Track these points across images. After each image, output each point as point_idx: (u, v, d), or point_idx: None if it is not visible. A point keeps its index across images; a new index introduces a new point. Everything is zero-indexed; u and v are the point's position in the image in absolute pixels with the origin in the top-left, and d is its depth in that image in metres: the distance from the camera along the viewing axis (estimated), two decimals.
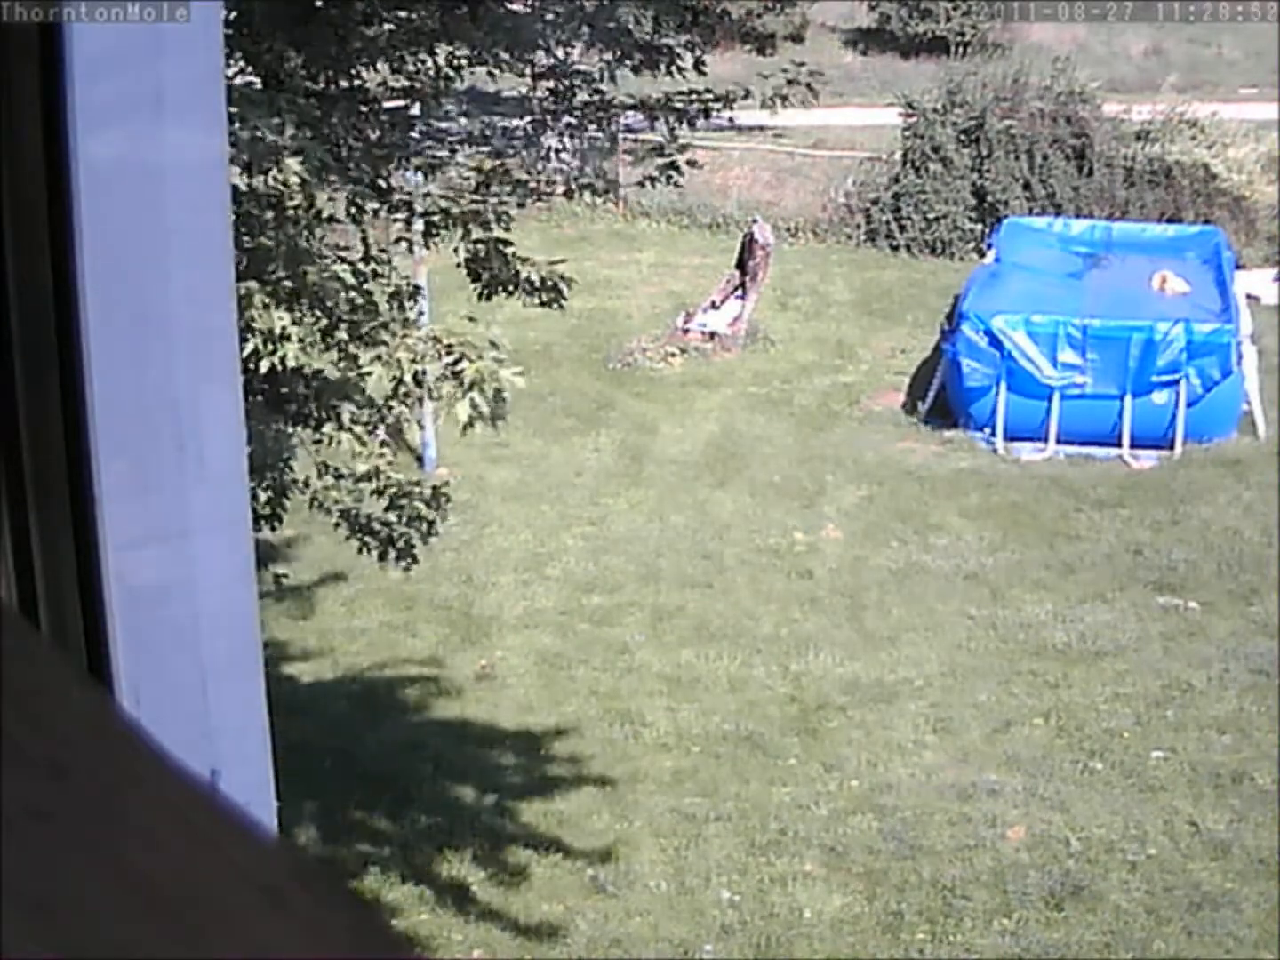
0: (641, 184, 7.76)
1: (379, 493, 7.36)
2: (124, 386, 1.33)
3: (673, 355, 18.16)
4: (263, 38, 6.47)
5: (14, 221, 1.27)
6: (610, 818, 9.79)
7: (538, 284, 7.34)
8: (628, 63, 7.50)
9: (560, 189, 7.49)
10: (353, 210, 6.89)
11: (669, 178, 7.76)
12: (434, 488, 7.51)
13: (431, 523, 7.38)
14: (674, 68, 7.57)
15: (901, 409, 16.85)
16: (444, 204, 7.16)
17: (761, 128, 23.07)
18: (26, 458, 1.30)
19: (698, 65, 7.62)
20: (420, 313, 7.58)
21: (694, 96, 7.76)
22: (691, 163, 7.77)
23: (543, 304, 7.45)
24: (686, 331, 18.53)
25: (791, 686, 11.43)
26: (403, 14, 6.80)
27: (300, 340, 6.63)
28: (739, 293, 18.73)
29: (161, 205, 1.34)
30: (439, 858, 9.36)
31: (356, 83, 6.96)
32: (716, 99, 7.81)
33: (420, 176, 7.35)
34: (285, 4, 6.57)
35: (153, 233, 1.33)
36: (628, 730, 10.84)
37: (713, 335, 18.44)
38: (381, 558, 7.48)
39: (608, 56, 7.54)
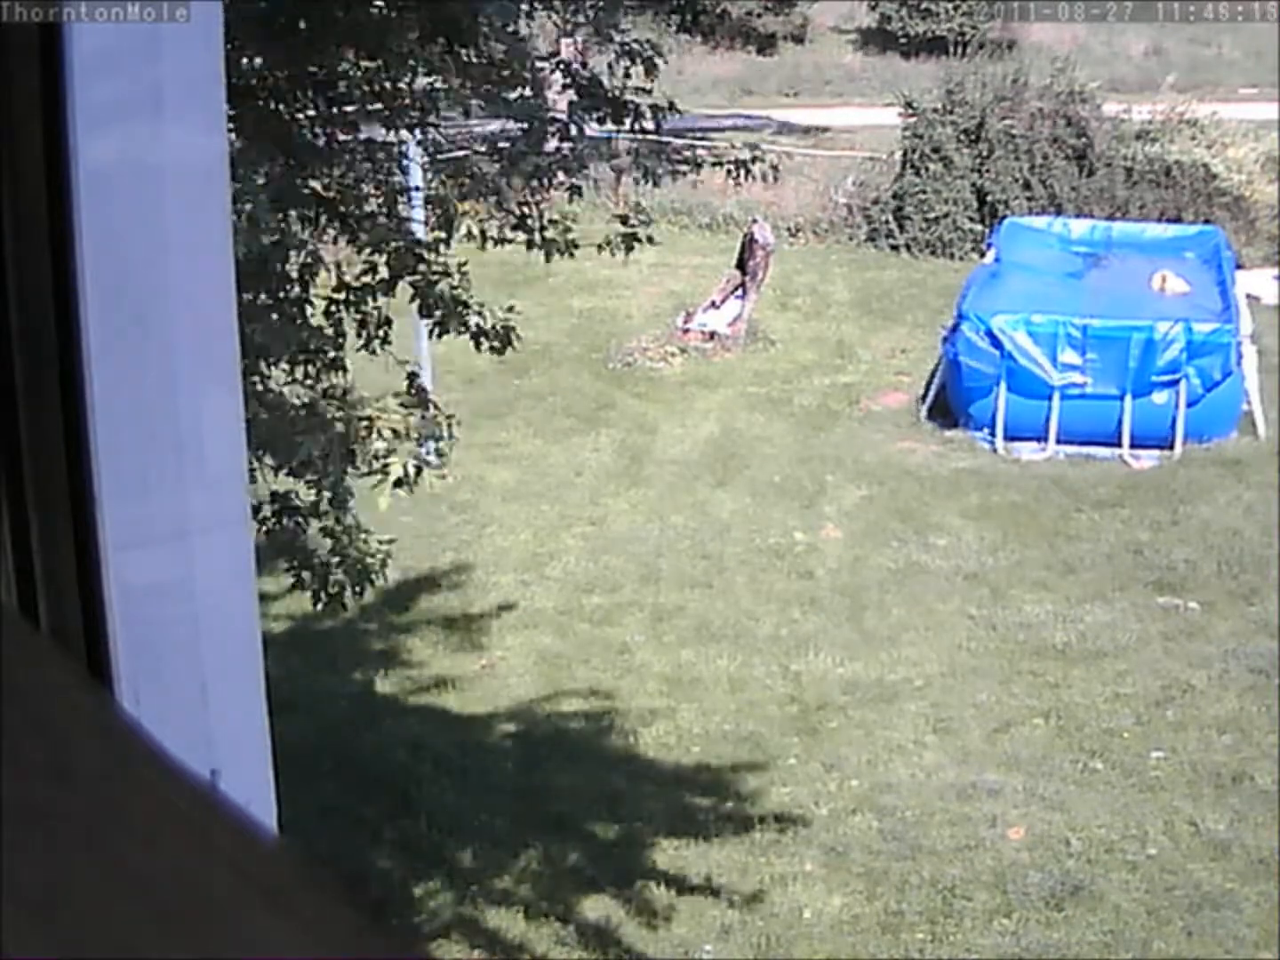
0: (600, 248, 7.85)
1: (326, 533, 7.27)
2: (124, 387, 1.33)
3: (673, 355, 18.16)
4: (233, 56, 6.45)
5: (14, 221, 1.27)
6: (608, 818, 9.79)
7: (486, 330, 7.42)
8: (594, 113, 7.60)
9: (523, 238, 7.55)
10: (305, 276, 6.89)
11: (628, 248, 7.86)
12: (380, 541, 7.44)
13: (369, 575, 7.29)
14: (638, 125, 7.69)
15: (902, 409, 16.85)
16: (407, 241, 7.18)
17: (759, 129, 23.09)
18: (26, 458, 1.30)
19: (658, 128, 7.77)
20: (388, 341, 7.56)
21: (663, 155, 7.91)
22: (650, 239, 7.92)
23: (493, 349, 7.51)
24: (686, 331, 18.53)
25: (791, 686, 11.43)
26: (381, 41, 6.79)
27: (256, 394, 6.63)
28: (739, 293, 18.74)
29: (161, 205, 1.34)
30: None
31: (333, 107, 6.96)
32: (684, 161, 7.98)
33: (387, 209, 7.35)
34: (259, 23, 6.55)
35: (153, 233, 1.33)
36: (628, 730, 10.84)
37: (713, 335, 18.45)
38: (314, 599, 7.37)
39: (579, 104, 7.63)
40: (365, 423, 6.91)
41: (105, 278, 1.30)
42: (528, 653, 11.92)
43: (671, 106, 7.74)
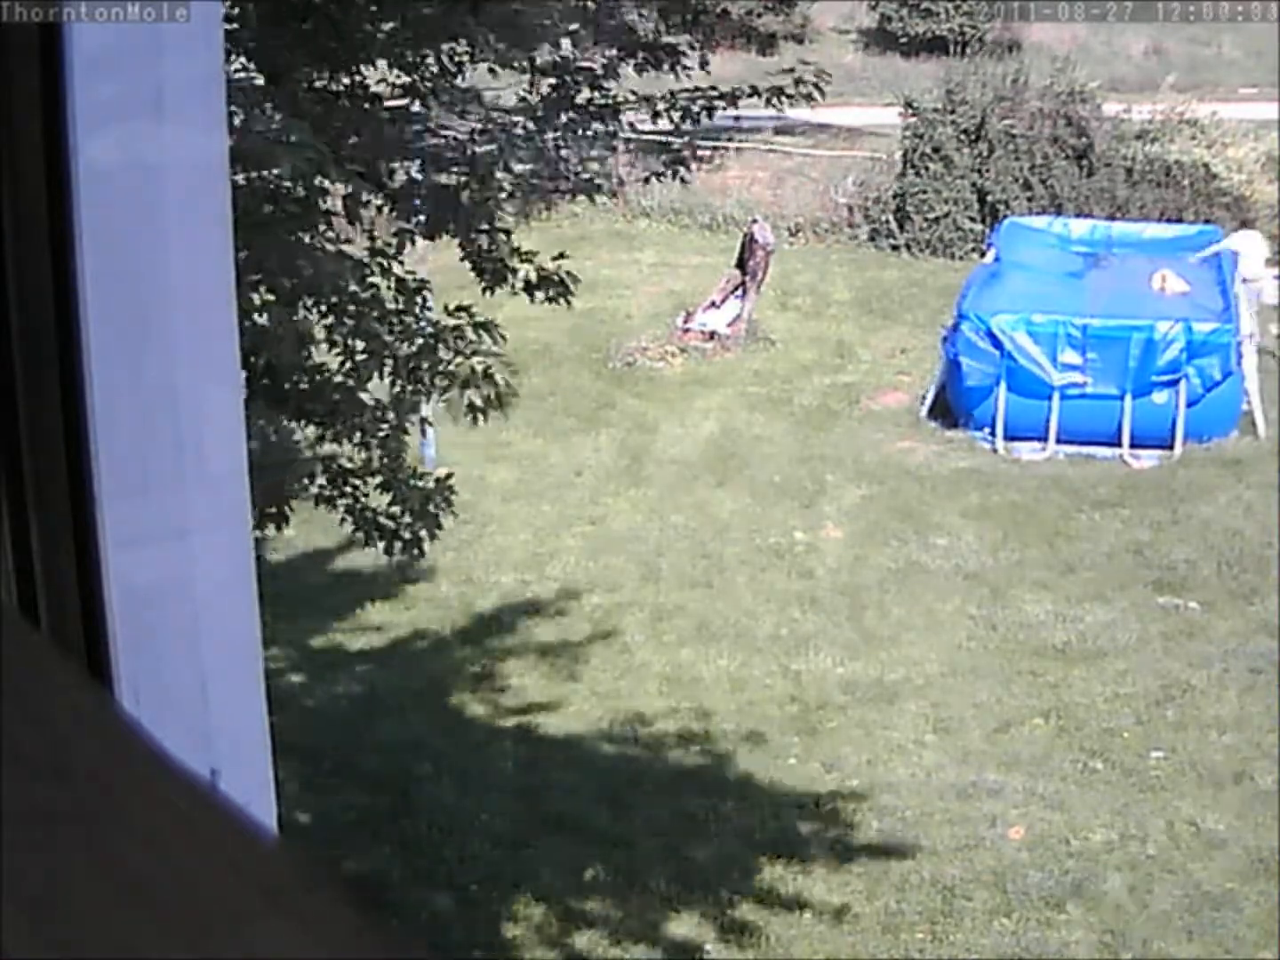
0: (647, 179, 7.76)
1: (384, 488, 7.34)
2: (124, 386, 1.33)
3: (673, 355, 18.15)
4: (263, 33, 6.47)
5: (14, 221, 1.27)
6: (608, 817, 9.79)
7: (541, 280, 7.34)
8: (630, 61, 7.50)
9: (564, 186, 7.49)
10: (351, 205, 6.88)
11: (675, 172, 7.75)
12: (437, 480, 7.49)
13: (436, 515, 7.36)
14: (678, 66, 7.57)
15: (902, 409, 16.85)
16: (444, 199, 7.16)
17: (759, 129, 23.08)
18: (26, 458, 1.30)
19: (702, 64, 7.62)
20: (428, 306, 7.54)
21: (699, 93, 7.76)
22: (698, 158, 7.79)
23: (549, 299, 7.43)
24: (686, 331, 18.52)
25: (791, 686, 11.43)
26: (404, 9, 6.79)
27: (298, 337, 6.65)
28: (739, 292, 18.73)
29: (161, 205, 1.34)
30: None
31: (358, 78, 6.96)
32: (720, 96, 7.81)
33: (421, 172, 7.35)
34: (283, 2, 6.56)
35: (153, 233, 1.33)
36: (627, 730, 10.84)
37: (713, 335, 18.44)
38: (388, 552, 7.47)
39: (610, 54, 7.54)
40: (429, 339, 6.93)
41: (105, 278, 1.30)
42: (526, 652, 11.92)
43: (708, 40, 7.58)
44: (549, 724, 10.93)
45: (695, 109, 7.81)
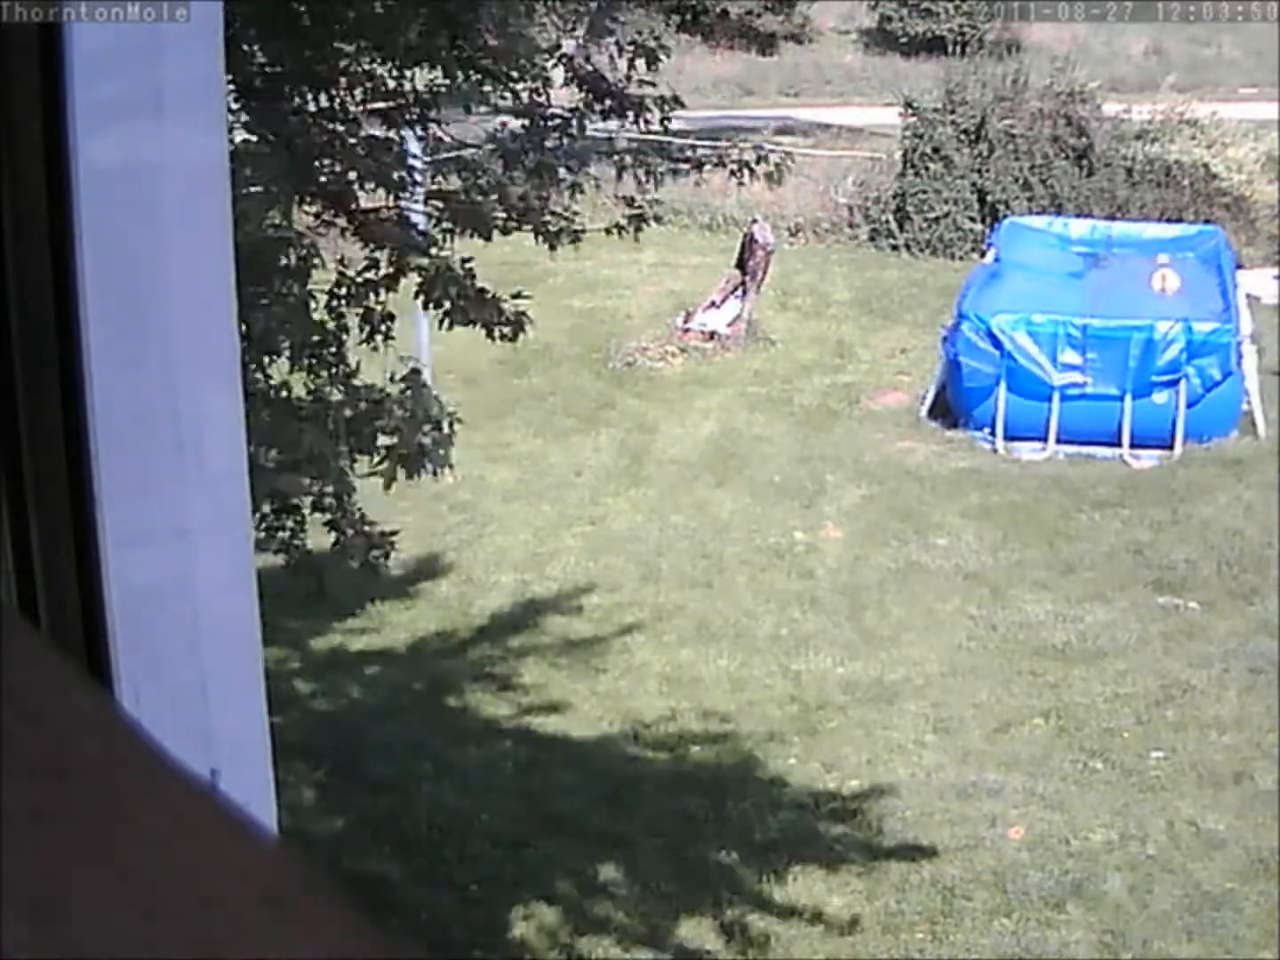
0: (608, 231, 7.85)
1: (330, 526, 7.30)
2: (124, 386, 1.33)
3: (673, 355, 18.16)
4: (240, 50, 6.46)
5: (14, 221, 1.27)
6: (609, 817, 9.79)
7: (497, 319, 7.39)
8: (598, 106, 7.58)
9: (528, 227, 7.53)
10: (319, 231, 6.91)
11: (636, 229, 7.87)
12: (382, 532, 7.46)
13: (375, 567, 7.35)
14: (642, 119, 7.65)
15: (902, 409, 16.85)
16: (405, 245, 7.18)
17: (759, 129, 23.07)
18: (26, 458, 1.30)
19: (664, 121, 7.71)
20: (390, 339, 7.53)
21: (662, 150, 7.91)
22: (658, 218, 7.97)
23: (504, 337, 7.48)
24: (686, 331, 18.53)
25: (791, 686, 11.43)
26: (384, 33, 6.79)
27: (257, 362, 6.65)
28: (739, 292, 18.73)
29: (161, 205, 1.34)
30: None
31: (337, 102, 6.96)
32: (684, 160, 7.98)
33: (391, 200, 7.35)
34: (264, 18, 6.55)
35: (153, 233, 1.33)
36: (627, 730, 10.84)
37: (713, 335, 18.44)
38: (319, 591, 7.45)
39: (580, 97, 7.61)
40: (372, 404, 6.95)
41: (105, 278, 1.30)
42: (527, 652, 11.92)
43: (676, 100, 7.71)
44: (549, 724, 10.93)
45: (660, 171, 7.95)
